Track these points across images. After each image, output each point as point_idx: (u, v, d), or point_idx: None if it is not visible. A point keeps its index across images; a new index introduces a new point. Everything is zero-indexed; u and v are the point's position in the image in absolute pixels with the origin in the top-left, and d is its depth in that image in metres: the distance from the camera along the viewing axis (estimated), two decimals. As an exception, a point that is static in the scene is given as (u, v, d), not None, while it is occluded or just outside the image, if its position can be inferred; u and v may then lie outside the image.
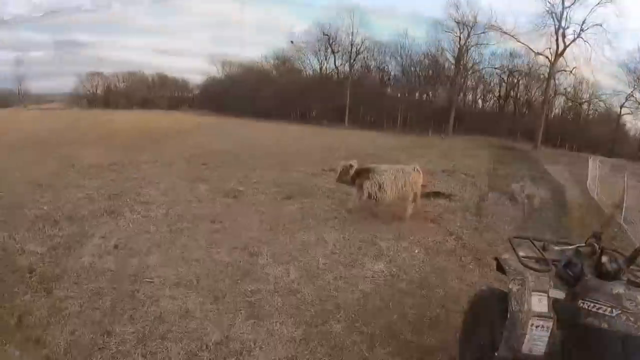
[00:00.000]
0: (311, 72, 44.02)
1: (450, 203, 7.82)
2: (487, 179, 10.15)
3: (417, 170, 6.48)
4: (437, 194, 8.07)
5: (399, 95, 43.37)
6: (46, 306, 4.35)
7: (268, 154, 13.84)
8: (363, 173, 6.34)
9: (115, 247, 5.64)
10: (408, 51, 38.93)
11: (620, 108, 27.88)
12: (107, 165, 10.34)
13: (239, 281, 4.63)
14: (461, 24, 31.06)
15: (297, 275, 4.71)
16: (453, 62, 36.12)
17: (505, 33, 28.96)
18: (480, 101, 40.64)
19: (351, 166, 6.39)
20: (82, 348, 3.78)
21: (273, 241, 5.77)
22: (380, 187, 6.23)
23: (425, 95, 41.70)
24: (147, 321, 3.95)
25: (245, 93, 42.60)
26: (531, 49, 28.27)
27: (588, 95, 29.90)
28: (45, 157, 10.89)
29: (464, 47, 32.21)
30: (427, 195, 7.50)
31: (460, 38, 31.95)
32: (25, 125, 19.96)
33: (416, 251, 5.46)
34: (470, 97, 40.18)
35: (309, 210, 7.12)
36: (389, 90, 43.53)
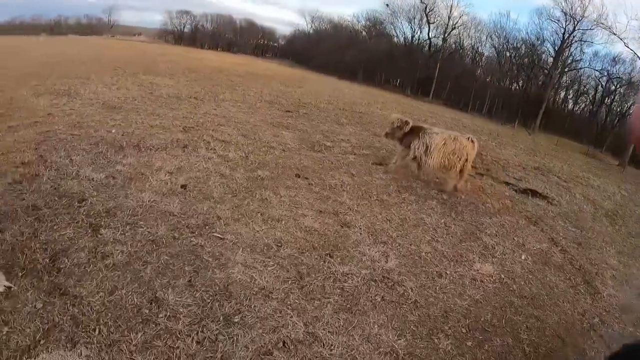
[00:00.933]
0: (402, 40, 45.94)
1: (549, 206, 7.52)
2: (582, 188, 9.95)
3: (471, 140, 6.49)
4: (534, 193, 7.95)
5: (488, 79, 43.67)
6: (87, 248, 3.89)
7: (354, 112, 13.87)
8: (414, 131, 6.47)
9: (184, 187, 5.31)
10: (506, 34, 39.17)
11: None
12: (186, 97, 9.83)
13: (328, 257, 4.22)
14: (568, 15, 31.69)
15: (396, 262, 4.33)
16: (552, 54, 35.67)
17: (614, 34, 29.13)
18: (571, 102, 40.49)
19: (407, 123, 6.49)
20: (120, 315, 3.21)
21: (366, 212, 5.44)
22: (427, 149, 6.31)
23: (515, 84, 41.80)
24: (209, 292, 3.56)
25: (331, 50, 45.37)
26: (639, 57, 28.17)
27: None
28: (124, 82, 10.71)
29: (567, 41, 33.03)
30: (524, 191, 7.78)
31: (564, 30, 32.67)
32: (111, 52, 21.26)
33: (523, 257, 5.15)
34: (561, 95, 40.03)
35: (404, 184, 6.82)
36: (478, 72, 43.93)
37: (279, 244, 4.21)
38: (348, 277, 3.83)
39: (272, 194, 5.46)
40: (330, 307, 3.38)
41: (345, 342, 3.04)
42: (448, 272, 4.29)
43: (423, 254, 4.56)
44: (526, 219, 6.38)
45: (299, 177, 6.23)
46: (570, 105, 39.98)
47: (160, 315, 3.25)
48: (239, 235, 4.28)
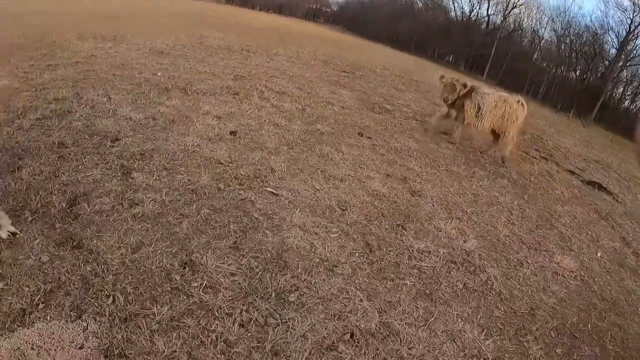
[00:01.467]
0: (459, 14, 43.98)
1: (615, 203, 6.81)
2: (642, 190, 8.75)
3: (521, 104, 5.97)
4: (600, 186, 7.34)
5: (545, 64, 41.47)
6: (114, 193, 3.15)
7: (411, 80, 12.95)
8: (466, 95, 5.90)
9: (233, 133, 4.64)
10: (569, 19, 36.89)
11: None
12: (237, 49, 8.98)
13: (401, 229, 3.57)
14: (636, 5, 29.27)
15: (475, 243, 3.67)
16: (616, 45, 32.85)
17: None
18: (628, 99, 37.16)
19: (465, 85, 5.89)
20: (143, 280, 2.46)
21: (436, 182, 4.84)
22: (478, 110, 5.83)
23: (573, 73, 39.38)
24: (258, 259, 2.78)
25: (385, 19, 44.06)
26: None
27: None
28: (174, 32, 9.95)
29: (632, 33, 30.60)
30: (590, 183, 7.28)
31: (631, 21, 30.31)
32: (162, 7, 20.78)
33: (599, 254, 4.45)
34: (619, 90, 36.90)
35: (472, 157, 6.24)
36: (536, 55, 41.75)
37: (344, 208, 3.61)
38: (425, 256, 3.25)
39: (333, 150, 4.81)
40: (406, 291, 2.81)
41: (426, 338, 2.48)
42: (529, 262, 3.71)
43: (501, 236, 3.99)
44: (596, 213, 5.76)
45: (362, 135, 5.61)
46: (626, 103, 36.53)
47: (195, 285, 2.44)
48: (297, 192, 3.67)
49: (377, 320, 2.45)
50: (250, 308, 2.37)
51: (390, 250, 3.16)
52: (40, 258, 2.48)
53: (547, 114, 20.61)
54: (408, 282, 2.87)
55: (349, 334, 2.32)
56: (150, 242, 2.65)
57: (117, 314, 2.20)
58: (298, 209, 3.35)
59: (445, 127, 6.49)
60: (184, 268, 2.53)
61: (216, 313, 2.30)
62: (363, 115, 6.68)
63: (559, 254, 3.96)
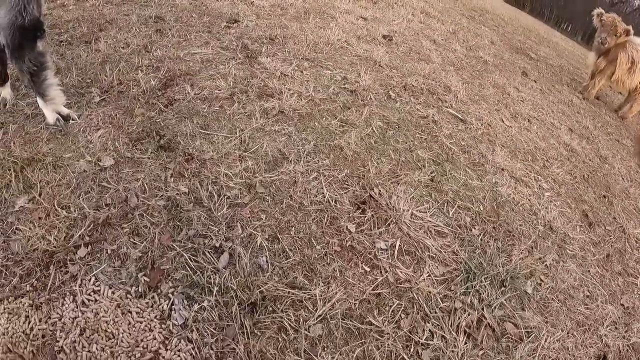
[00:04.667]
0: None
1: None
2: None
3: None
4: None
5: None
6: (233, 77, 1.91)
7: (539, 36, 10.17)
8: (619, 44, 4.53)
9: (387, 38, 3.25)
10: None
11: None
12: None
13: (607, 201, 2.59)
14: None
15: None
16: None
17: None
18: None
19: (627, 32, 4.50)
20: (289, 222, 1.18)
21: (615, 153, 3.53)
22: (632, 64, 4.52)
23: None
24: (470, 212, 1.70)
25: None
26: None
27: None
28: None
29: None
30: None
31: None
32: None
33: None
34: None
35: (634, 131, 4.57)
36: None
37: (545, 157, 2.56)
38: None
39: (507, 84, 3.54)
40: (638, 295, 1.86)
41: None
42: None
43: None
44: None
45: (527, 76, 4.41)
46: None
47: (382, 246, 0.99)
48: (487, 124, 2.51)
49: (625, 337, 1.53)
50: (476, 301, 1.19)
51: (609, 231, 2.21)
52: (99, 160, 1.16)
53: None
54: (638, 282, 1.95)
55: (600, 359, 1.38)
56: (298, 157, 1.28)
57: (236, 291, 0.80)
58: (497, 146, 2.27)
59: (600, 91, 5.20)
60: (363, 211, 1.11)
61: (425, 307, 0.86)
62: (514, 56, 5.32)
63: None
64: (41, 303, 0.94)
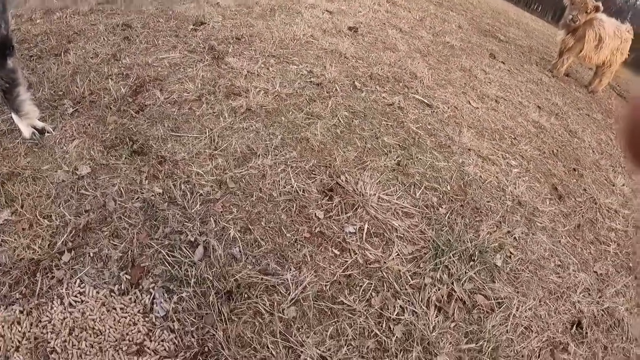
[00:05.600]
0: None
1: None
2: None
3: (630, 32, 4.88)
4: None
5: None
6: (201, 79, 1.98)
7: (509, 18, 10.41)
8: (587, 22, 4.60)
9: (353, 29, 3.31)
10: None
11: None
12: None
13: (577, 173, 2.68)
14: None
15: None
16: None
17: None
18: None
19: (597, 8, 4.48)
20: (259, 214, 1.26)
21: (585, 126, 3.67)
22: (600, 41, 4.64)
23: None
24: (436, 192, 1.77)
25: None
26: None
27: None
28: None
29: None
30: None
31: None
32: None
33: None
34: None
35: (604, 105, 4.78)
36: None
37: (513, 136, 2.63)
38: (613, 215, 2.31)
39: (474, 66, 3.58)
40: (611, 262, 1.94)
41: None
42: None
43: None
44: None
45: (495, 58, 4.43)
46: None
47: (350, 230, 1.14)
48: (454, 107, 2.57)
49: (599, 302, 1.61)
50: (445, 276, 1.25)
51: (580, 202, 2.29)
52: (76, 169, 1.20)
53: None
54: (610, 249, 2.03)
55: (574, 325, 1.45)
56: (265, 151, 1.30)
57: (212, 282, 0.88)
58: (464, 128, 2.32)
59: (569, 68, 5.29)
60: (330, 198, 1.16)
61: (395, 284, 0.92)
62: (481, 39, 5.34)
63: None
64: (31, 309, 0.98)
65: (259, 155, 1.36)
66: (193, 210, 1.15)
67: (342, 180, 1.33)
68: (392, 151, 1.65)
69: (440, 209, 1.53)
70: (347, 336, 0.98)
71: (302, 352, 0.91)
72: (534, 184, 2.14)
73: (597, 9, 4.49)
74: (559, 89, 4.40)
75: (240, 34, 2.46)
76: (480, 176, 1.93)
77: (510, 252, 1.57)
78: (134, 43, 2.22)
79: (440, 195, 1.62)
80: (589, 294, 1.62)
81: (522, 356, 1.23)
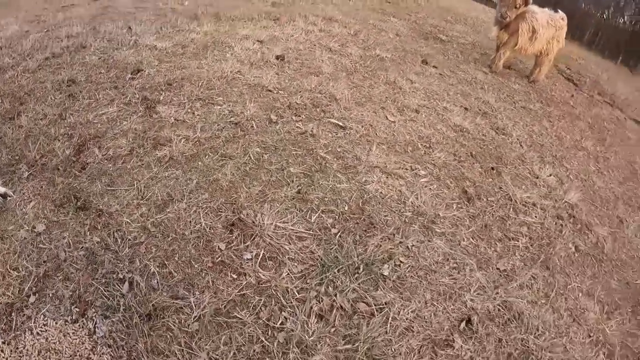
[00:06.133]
0: None
1: None
2: None
3: (564, 20, 4.92)
4: None
5: (588, 6, 35.72)
6: (133, 133, 2.26)
7: (457, 14, 10.40)
8: (519, 15, 4.68)
9: (280, 58, 3.57)
10: None
11: None
12: None
13: (495, 172, 2.78)
14: None
15: (577, 195, 2.82)
16: None
17: None
18: None
19: (526, 2, 4.58)
20: (174, 251, 1.63)
21: (518, 120, 3.80)
22: (533, 33, 4.72)
23: (622, 18, 33.06)
24: (332, 214, 1.94)
25: None
26: None
27: None
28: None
29: None
30: None
31: None
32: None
33: None
34: None
35: (545, 95, 4.93)
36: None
37: (427, 144, 2.81)
38: (530, 209, 2.49)
39: (400, 78, 3.75)
40: (519, 256, 2.08)
41: (551, 322, 1.77)
42: (628, 220, 2.92)
43: (596, 187, 3.20)
44: None
45: (427, 64, 4.59)
46: None
47: (247, 256, 1.60)
48: (369, 125, 2.78)
49: (496, 298, 1.76)
50: (330, 289, 1.51)
51: (491, 201, 2.41)
52: (34, 228, 1.59)
53: (595, 59, 17.81)
54: (520, 244, 2.16)
55: (464, 321, 1.61)
56: (181, 196, 1.70)
57: (136, 308, 1.27)
58: (374, 145, 2.50)
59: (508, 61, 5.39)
60: (231, 232, 1.55)
61: (282, 299, 1.33)
62: (420, 43, 5.45)
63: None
64: (10, 339, 1.37)
65: (175, 201, 1.75)
66: (123, 253, 1.55)
67: (243, 215, 1.72)
68: (295, 180, 2.01)
69: (332, 229, 1.76)
70: (237, 343, 1.39)
71: (200, 356, 1.32)
72: (442, 190, 2.30)
73: (526, 3, 4.56)
74: (495, 85, 4.57)
75: (172, 79, 2.80)
76: (381, 192, 2.09)
77: (400, 261, 1.73)
78: (78, 99, 2.55)
79: (336, 217, 1.84)
80: (484, 292, 1.75)
81: (400, 354, 1.40)
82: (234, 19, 4.42)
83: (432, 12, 9.51)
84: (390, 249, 1.77)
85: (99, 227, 1.62)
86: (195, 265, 1.49)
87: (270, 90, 2.86)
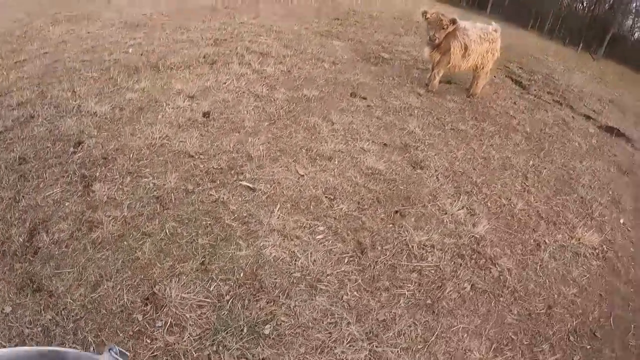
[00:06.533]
0: None
1: (635, 152, 5.77)
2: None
3: (497, 32, 5.15)
4: (618, 133, 6.12)
5: None
6: (73, 215, 2.76)
7: (411, 22, 10.87)
8: (450, 33, 4.84)
9: (206, 115, 4.01)
10: None
11: None
12: (221, 7, 7.88)
13: (399, 217, 2.97)
14: None
15: (487, 226, 3.07)
16: None
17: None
18: (638, 31, 35.05)
19: (453, 22, 4.75)
20: (105, 323, 2.19)
21: (442, 147, 4.09)
22: (466, 50, 4.91)
23: (580, 4, 36.76)
24: (229, 282, 2.36)
25: None
26: None
27: None
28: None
29: None
30: (607, 129, 6.14)
31: None
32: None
33: (621, 221, 3.81)
34: (629, 22, 34.49)
35: (480, 109, 5.39)
36: None
37: (332, 197, 3.04)
38: (427, 252, 2.71)
39: (321, 120, 4.12)
40: (403, 304, 2.34)
41: None
42: (547, 242, 3.16)
43: (516, 211, 3.39)
44: (617, 167, 4.97)
45: (355, 96, 4.85)
46: (637, 35, 34.69)
47: (159, 324, 2.16)
48: (277, 183, 3.10)
49: (366, 350, 2.06)
50: (220, 348, 2.02)
51: (386, 250, 2.66)
52: (3, 309, 2.21)
53: (554, 49, 18.63)
54: (406, 291, 2.42)
55: None
56: (110, 276, 2.34)
57: None
58: (278, 206, 2.84)
59: (445, 77, 5.62)
60: (146, 305, 2.22)
61: (183, 359, 2.00)
62: (357, 69, 5.79)
63: (579, 227, 3.43)
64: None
65: (105, 280, 2.41)
66: (69, 328, 2.20)
67: (156, 290, 2.40)
68: (201, 252, 2.60)
69: (227, 296, 2.18)
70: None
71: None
72: (336, 245, 2.58)
73: (453, 22, 4.72)
74: (427, 108, 4.81)
75: (108, 151, 3.31)
76: (275, 256, 2.42)
77: (282, 320, 2.08)
78: (28, 180, 3.03)
79: (232, 284, 2.23)
80: (357, 344, 2.04)
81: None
82: (172, 67, 4.92)
83: (382, 24, 9.88)
84: (274, 310, 2.12)
85: (51, 307, 2.26)
86: (121, 334, 2.16)
87: (192, 156, 3.40)
